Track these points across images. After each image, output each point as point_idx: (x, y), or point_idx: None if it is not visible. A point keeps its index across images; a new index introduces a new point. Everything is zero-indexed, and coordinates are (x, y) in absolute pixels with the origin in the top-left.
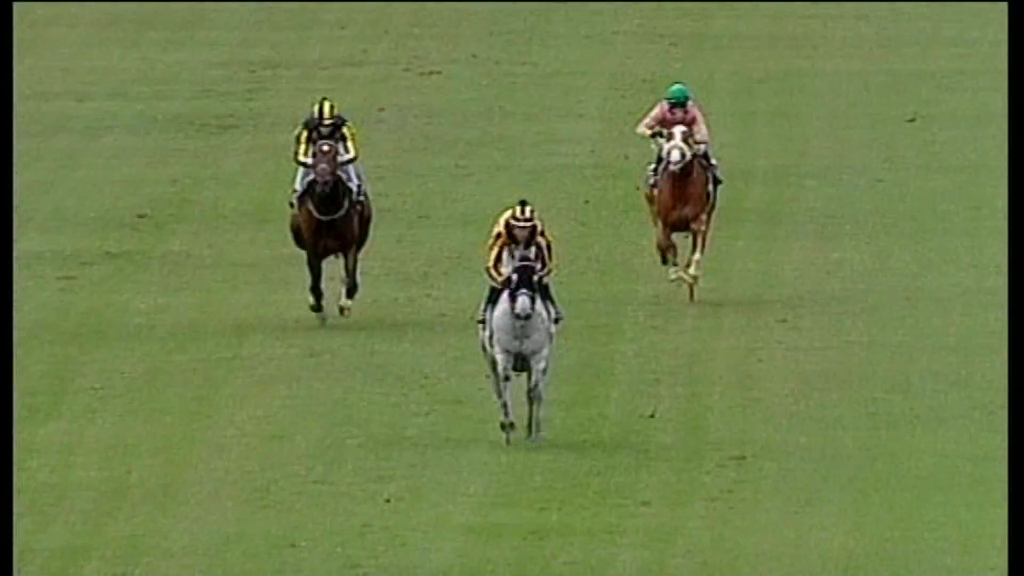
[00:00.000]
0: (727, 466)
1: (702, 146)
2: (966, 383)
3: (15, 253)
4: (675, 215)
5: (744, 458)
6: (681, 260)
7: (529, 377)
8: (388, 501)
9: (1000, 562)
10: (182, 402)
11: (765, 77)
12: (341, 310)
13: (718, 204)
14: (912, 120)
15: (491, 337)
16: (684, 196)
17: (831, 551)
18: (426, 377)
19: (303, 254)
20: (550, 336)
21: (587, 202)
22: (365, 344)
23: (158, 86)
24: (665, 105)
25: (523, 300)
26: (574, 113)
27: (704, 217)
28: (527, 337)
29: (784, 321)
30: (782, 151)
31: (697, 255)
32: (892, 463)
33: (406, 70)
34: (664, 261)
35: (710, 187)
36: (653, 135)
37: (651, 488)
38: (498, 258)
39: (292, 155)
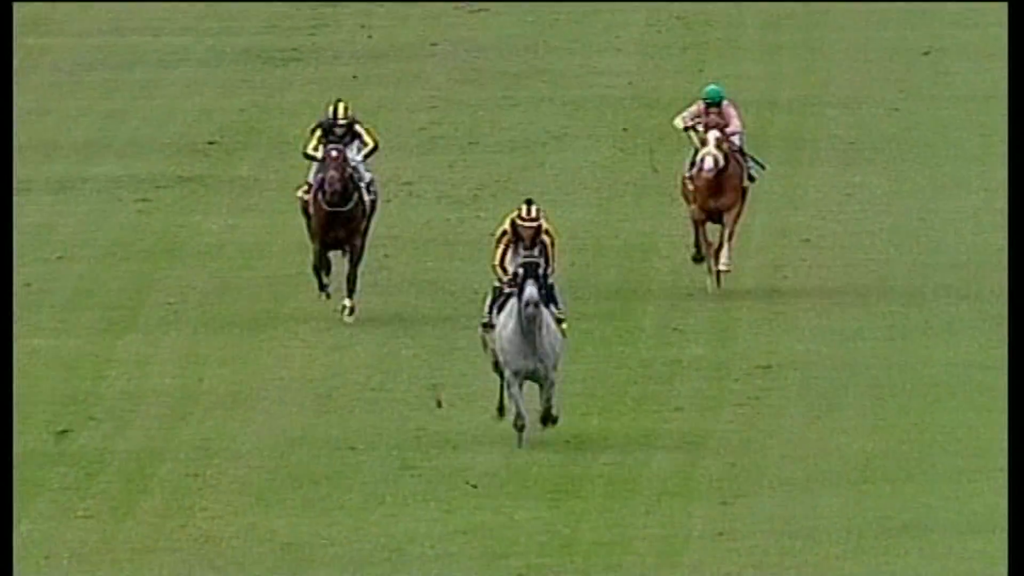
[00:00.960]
0: (754, 375)
1: (736, 138)
2: (976, 297)
3: (89, 175)
4: (711, 205)
5: (770, 367)
6: (711, 254)
7: (541, 393)
8: (440, 406)
9: (1005, 463)
10: (250, 315)
11: (790, 13)
12: (345, 309)
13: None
14: (927, 53)
15: (498, 354)
16: (720, 188)
17: (850, 453)
18: (475, 292)
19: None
20: (557, 351)
21: (625, 130)
22: (419, 262)
23: (227, 22)
24: (702, 104)
25: (531, 290)
26: (613, 47)
27: (736, 211)
28: (535, 351)
29: (808, 240)
30: (805, 82)
31: (726, 249)
32: (907, 371)
33: (457, 8)
34: (697, 252)
35: (746, 182)
36: (686, 129)
37: (683, 396)
38: (503, 256)
39: (302, 150)
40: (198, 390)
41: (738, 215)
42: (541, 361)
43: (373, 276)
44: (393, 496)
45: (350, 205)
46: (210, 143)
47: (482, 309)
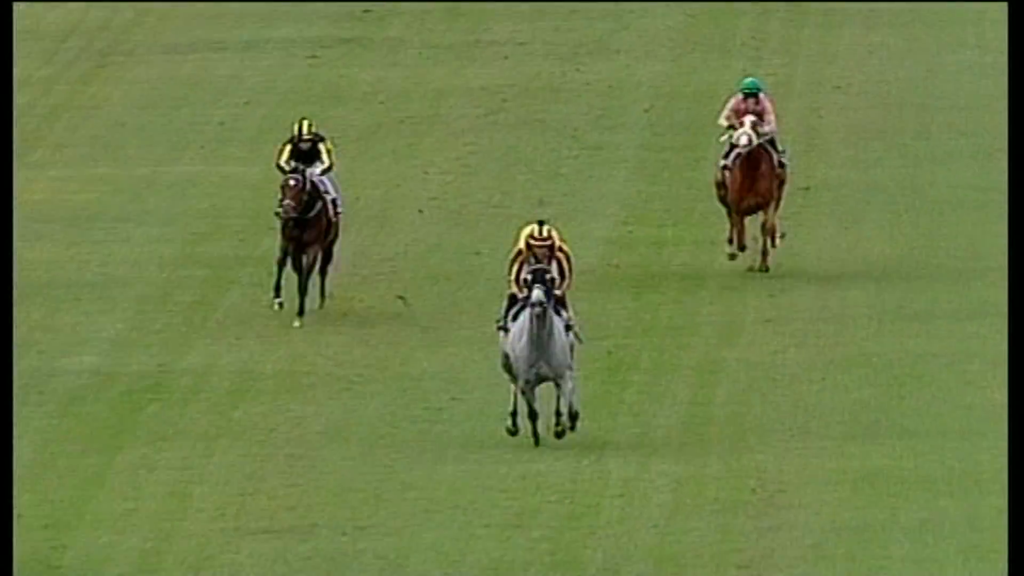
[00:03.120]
0: (795, 194)
1: (768, 131)
2: (973, 133)
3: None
4: (746, 203)
5: (808, 188)
6: (747, 244)
7: (558, 404)
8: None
9: (1000, 264)
10: (397, 148)
11: None
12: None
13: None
14: None
15: (510, 360)
16: (754, 184)
17: (872, 256)
18: (576, 129)
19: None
20: (569, 359)
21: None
22: (532, 106)
23: None
24: (739, 96)
25: (537, 292)
26: None
27: (774, 209)
28: (545, 358)
29: (839, 88)
30: None
31: (769, 246)
32: (917, 192)
33: None
34: (730, 241)
35: (778, 169)
36: (729, 126)
37: None
38: (518, 272)
39: (275, 163)
40: (354, 208)
41: (777, 205)
42: (548, 364)
43: (494, 116)
44: None
45: (313, 213)
46: (365, 11)
47: (498, 312)
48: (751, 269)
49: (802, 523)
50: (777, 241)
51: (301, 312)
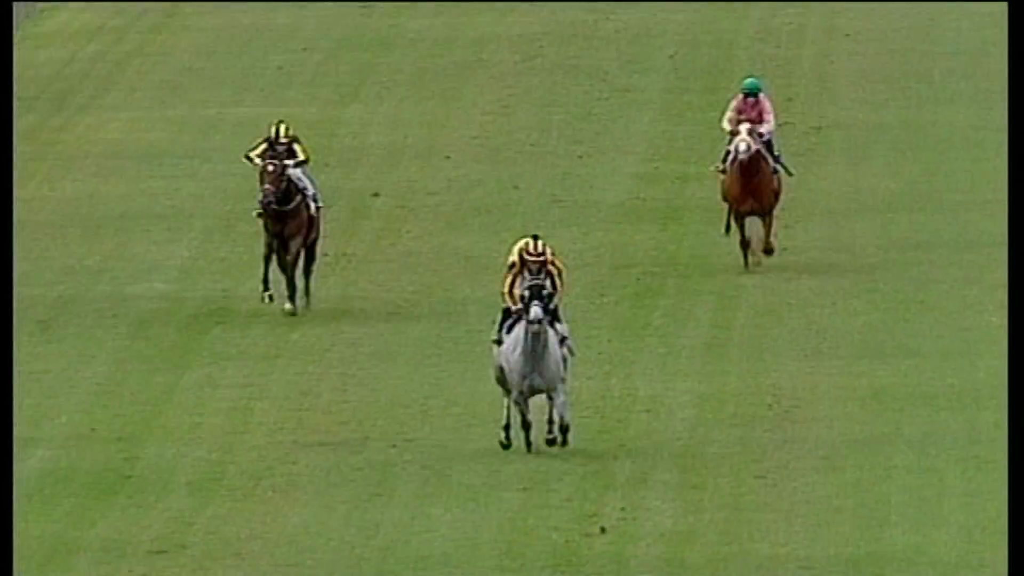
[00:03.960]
0: (809, 133)
1: (766, 135)
2: (973, 76)
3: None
4: (745, 207)
5: (819, 128)
6: (751, 239)
7: (550, 414)
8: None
9: (997, 196)
10: (442, 91)
11: None
12: (288, 309)
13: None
14: None
15: (504, 372)
16: (753, 190)
17: (878, 191)
18: (606, 73)
19: None
20: (563, 372)
21: None
22: (567, 52)
23: None
24: (740, 96)
25: (535, 310)
26: None
27: (771, 222)
28: (538, 371)
29: (848, 36)
30: None
31: (763, 256)
32: (920, 131)
33: None
34: (745, 258)
35: (775, 184)
36: (731, 132)
37: None
38: (512, 285)
39: (245, 153)
40: (405, 145)
41: (773, 207)
42: (542, 377)
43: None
44: None
45: (292, 205)
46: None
47: (492, 327)
48: (752, 263)
49: (814, 436)
50: (773, 251)
51: (292, 299)
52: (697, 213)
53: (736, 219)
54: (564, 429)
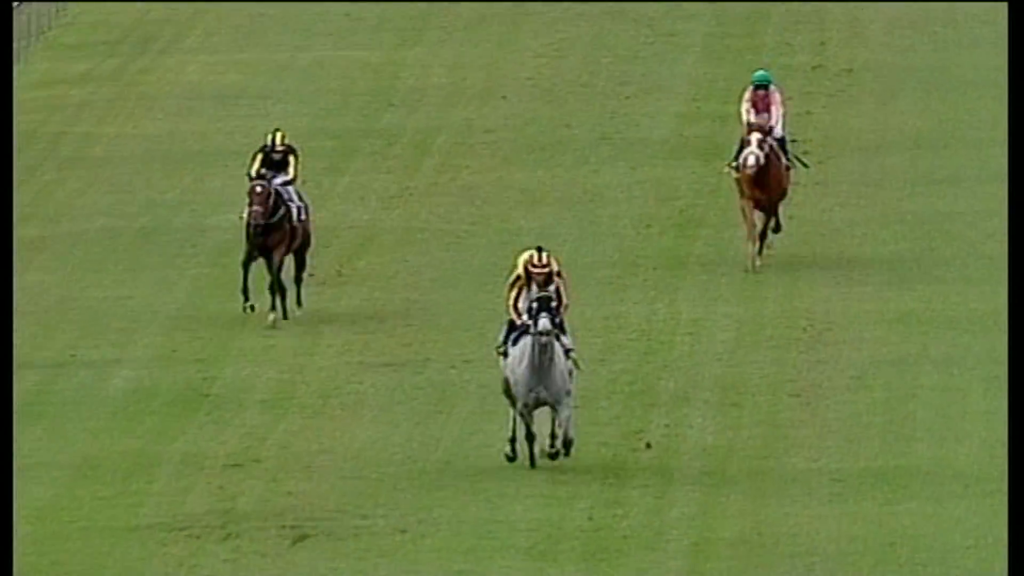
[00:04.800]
0: (841, 75)
1: (778, 128)
2: (994, 21)
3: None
4: (757, 197)
5: (851, 71)
6: (756, 238)
7: (553, 427)
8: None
9: (1000, 139)
10: (499, 35)
11: None
12: (272, 316)
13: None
14: None
15: (510, 384)
16: (764, 183)
17: (907, 128)
18: (651, 19)
19: None
20: (568, 384)
21: None
22: None
23: None
24: (751, 88)
25: (544, 322)
26: None
27: (780, 201)
28: (544, 384)
29: None
30: None
31: (771, 232)
32: (946, 73)
33: None
34: (755, 247)
35: (785, 172)
36: (748, 123)
37: (791, 91)
38: (516, 298)
39: (246, 172)
40: (464, 86)
41: (780, 201)
42: (547, 390)
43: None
44: None
45: (276, 218)
46: None
47: (497, 337)
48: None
49: (845, 357)
50: (780, 225)
51: (273, 307)
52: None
53: (749, 209)
54: (567, 443)
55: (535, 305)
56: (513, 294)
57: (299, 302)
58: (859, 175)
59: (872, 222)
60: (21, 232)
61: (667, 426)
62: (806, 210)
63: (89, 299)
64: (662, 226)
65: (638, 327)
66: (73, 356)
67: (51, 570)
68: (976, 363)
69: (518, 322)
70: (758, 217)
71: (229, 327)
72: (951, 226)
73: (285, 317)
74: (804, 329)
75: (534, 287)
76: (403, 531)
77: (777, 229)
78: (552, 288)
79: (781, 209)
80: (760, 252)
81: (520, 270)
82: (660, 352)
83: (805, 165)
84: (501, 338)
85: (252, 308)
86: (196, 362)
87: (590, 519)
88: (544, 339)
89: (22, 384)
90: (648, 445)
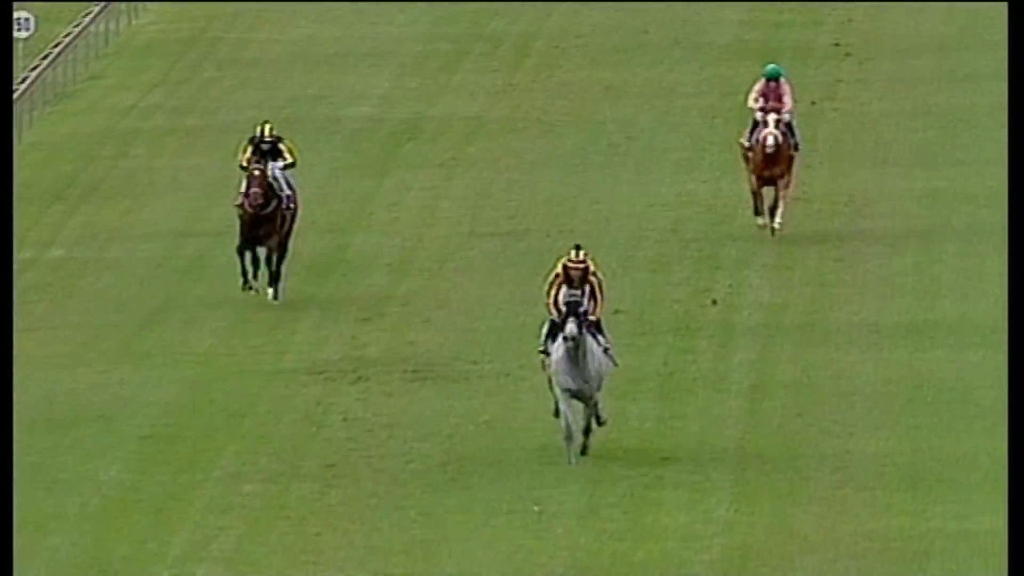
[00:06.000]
0: (849, 57)
1: (787, 115)
2: None
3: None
4: (766, 174)
5: (851, 20)
6: (766, 211)
7: (584, 410)
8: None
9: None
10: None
11: None
12: (270, 293)
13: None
14: None
15: (550, 376)
16: (775, 161)
17: (934, 32)
18: None
19: None
20: (603, 379)
21: None
22: None
23: None
24: (763, 80)
25: (571, 327)
26: None
27: (787, 179)
28: (581, 375)
29: None
30: None
31: (780, 208)
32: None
33: None
34: (756, 212)
35: (792, 152)
36: (760, 109)
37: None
38: (556, 295)
39: (238, 163)
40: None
41: (788, 181)
42: (586, 382)
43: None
44: None
45: (269, 210)
46: None
47: (539, 338)
48: (763, 227)
49: (881, 227)
50: (789, 198)
51: (276, 296)
52: (790, 52)
53: (758, 187)
54: (598, 421)
55: (564, 308)
56: (553, 292)
57: (274, 289)
58: (893, 73)
59: (904, 113)
60: (186, 122)
61: (730, 286)
62: (848, 103)
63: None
64: (725, 117)
65: (707, 202)
66: (228, 228)
67: (210, 408)
68: (992, 232)
69: (558, 320)
70: (766, 192)
71: (359, 201)
72: (971, 116)
73: (276, 298)
74: (846, 204)
75: (568, 286)
76: (506, 375)
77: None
78: (587, 288)
79: (789, 192)
80: (773, 220)
81: (559, 268)
82: (724, 223)
83: (796, 147)
84: (542, 339)
85: (255, 291)
86: (331, 231)
87: (665, 364)
88: (571, 344)
89: (186, 251)
90: (714, 302)
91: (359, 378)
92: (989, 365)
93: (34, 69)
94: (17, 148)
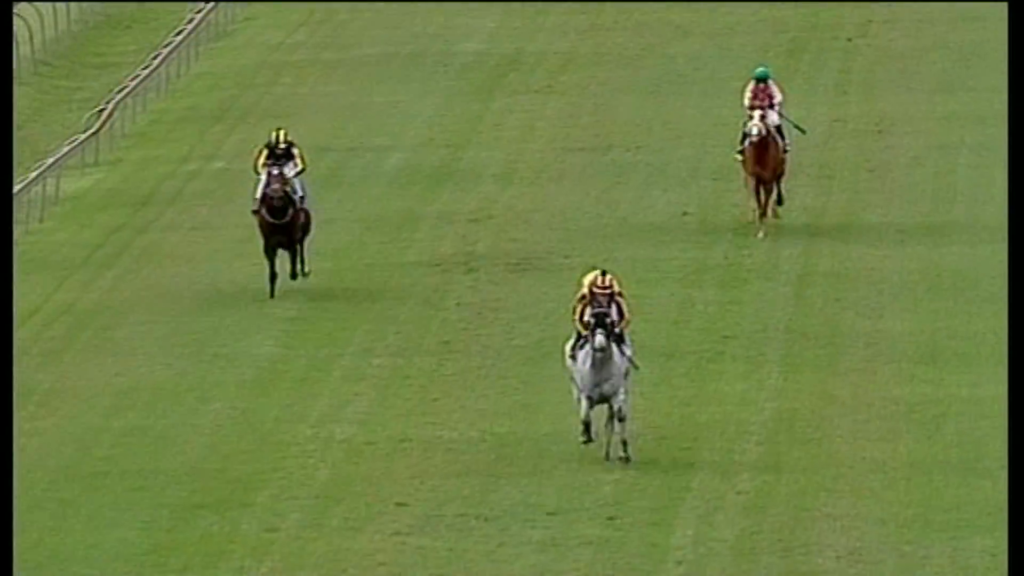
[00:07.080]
0: (854, 39)
1: (778, 107)
2: None
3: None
4: (759, 175)
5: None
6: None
7: (611, 407)
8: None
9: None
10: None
11: None
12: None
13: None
14: None
15: (576, 381)
16: (764, 162)
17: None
18: None
19: None
20: (625, 379)
21: None
22: None
23: None
24: (752, 83)
25: (599, 338)
26: None
27: (777, 189)
28: (606, 380)
29: None
30: None
31: (773, 200)
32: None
33: None
34: (759, 218)
35: (783, 155)
36: (750, 107)
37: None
38: (583, 314)
39: (252, 167)
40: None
41: (781, 177)
42: (612, 386)
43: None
44: None
45: (286, 219)
46: None
47: (565, 345)
48: (752, 222)
49: (906, 143)
50: (782, 198)
51: (300, 274)
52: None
53: (753, 187)
54: (622, 419)
55: (592, 320)
56: (579, 310)
57: (300, 268)
58: (917, 13)
59: (925, 48)
60: (325, 56)
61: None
62: (878, 40)
63: (371, 103)
64: (775, 52)
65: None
66: (360, 144)
67: (346, 293)
68: (1000, 148)
69: (584, 333)
70: (763, 192)
71: (470, 122)
72: (984, 51)
73: (294, 278)
74: (877, 124)
75: (595, 305)
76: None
77: (780, 202)
78: (613, 308)
79: (782, 188)
80: (763, 217)
81: (585, 290)
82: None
83: (803, 131)
84: (570, 346)
85: (272, 293)
86: (446, 147)
87: (725, 257)
88: (600, 354)
89: (324, 163)
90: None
91: (470, 269)
92: (996, 259)
93: (199, 12)
94: (185, 78)
